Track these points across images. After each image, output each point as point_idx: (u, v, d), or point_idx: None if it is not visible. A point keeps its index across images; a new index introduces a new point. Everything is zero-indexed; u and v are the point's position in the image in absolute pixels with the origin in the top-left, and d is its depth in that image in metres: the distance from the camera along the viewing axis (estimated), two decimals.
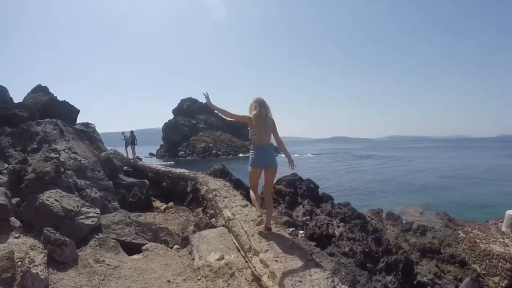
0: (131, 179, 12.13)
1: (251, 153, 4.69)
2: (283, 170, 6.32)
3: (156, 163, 15.74)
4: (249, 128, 4.63)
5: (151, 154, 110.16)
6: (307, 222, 9.85)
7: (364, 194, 31.56)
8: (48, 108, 15.02)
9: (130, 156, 18.31)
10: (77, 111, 16.45)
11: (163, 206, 12.98)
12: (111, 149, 22.08)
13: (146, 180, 12.33)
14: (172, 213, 11.52)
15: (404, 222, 15.70)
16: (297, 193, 11.28)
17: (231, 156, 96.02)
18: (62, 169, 7.86)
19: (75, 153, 8.82)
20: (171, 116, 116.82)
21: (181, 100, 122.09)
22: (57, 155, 8.25)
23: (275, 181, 9.22)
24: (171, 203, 13.19)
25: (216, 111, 4.86)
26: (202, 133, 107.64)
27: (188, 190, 12.07)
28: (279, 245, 4.01)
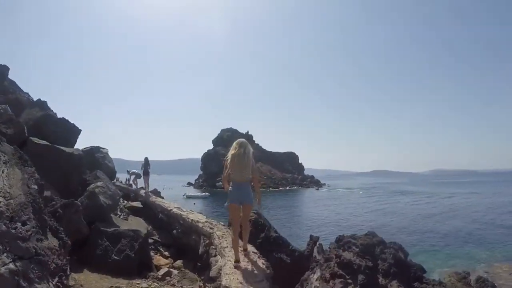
0: (120, 229, 8.20)
1: (229, 189, 5.10)
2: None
3: (172, 204, 11.75)
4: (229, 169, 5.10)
5: (189, 184, 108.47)
6: None
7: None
8: (41, 126, 12.04)
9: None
10: (77, 131, 13.40)
11: (166, 265, 8.96)
12: (125, 181, 19.35)
13: (141, 230, 8.43)
14: (173, 285, 7.52)
15: None
16: (378, 269, 6.72)
17: (270, 189, 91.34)
18: None
19: None
20: (211, 146, 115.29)
21: (222, 130, 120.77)
22: None
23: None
24: (179, 262, 9.19)
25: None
26: None
27: (200, 251, 7.98)
28: None
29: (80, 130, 13.42)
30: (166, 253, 10.22)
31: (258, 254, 5.95)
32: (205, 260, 7.61)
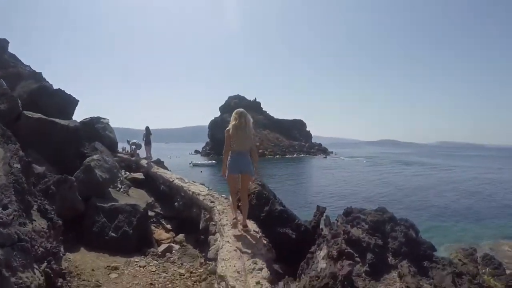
0: (117, 204, 7.85)
1: (229, 159, 5.10)
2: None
3: (173, 175, 11.40)
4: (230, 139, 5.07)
5: (196, 152, 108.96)
6: None
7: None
8: (37, 98, 11.74)
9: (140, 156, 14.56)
10: (75, 102, 12.92)
11: (167, 240, 8.72)
12: (124, 149, 18.96)
13: (139, 204, 8.05)
14: (173, 262, 7.19)
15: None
16: (388, 247, 6.30)
17: (278, 156, 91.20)
18: None
19: None
20: (218, 113, 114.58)
21: (229, 97, 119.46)
22: None
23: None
24: (180, 236, 8.95)
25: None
26: None
27: (200, 226, 7.68)
28: None
29: (78, 101, 12.95)
30: (168, 226, 9.98)
31: (260, 234, 5.57)
32: (206, 236, 7.31)
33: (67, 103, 12.44)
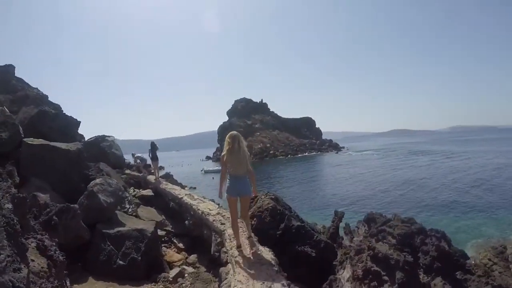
0: (123, 229, 7.43)
1: (228, 183, 5.15)
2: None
3: (182, 191, 11.05)
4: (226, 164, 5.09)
5: (208, 158, 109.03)
6: None
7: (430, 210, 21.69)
8: (38, 124, 11.42)
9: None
10: (76, 124, 12.64)
11: (179, 262, 8.27)
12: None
13: (146, 228, 7.62)
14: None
15: None
16: (418, 263, 5.75)
17: (289, 156, 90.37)
18: None
19: None
20: (226, 118, 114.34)
21: (235, 101, 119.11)
22: None
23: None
24: (193, 257, 8.50)
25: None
26: (258, 133, 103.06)
27: (212, 251, 7.22)
28: None
29: (79, 122, 12.65)
30: (180, 245, 9.54)
31: (264, 248, 5.42)
32: (219, 259, 6.84)
33: (69, 125, 12.16)
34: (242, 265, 4.72)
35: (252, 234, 5.64)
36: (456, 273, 5.95)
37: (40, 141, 9.43)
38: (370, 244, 6.21)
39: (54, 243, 5.71)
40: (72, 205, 7.05)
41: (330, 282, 6.09)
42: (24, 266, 4.45)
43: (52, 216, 6.71)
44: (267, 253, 5.13)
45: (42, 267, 4.88)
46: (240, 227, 5.84)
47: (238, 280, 4.12)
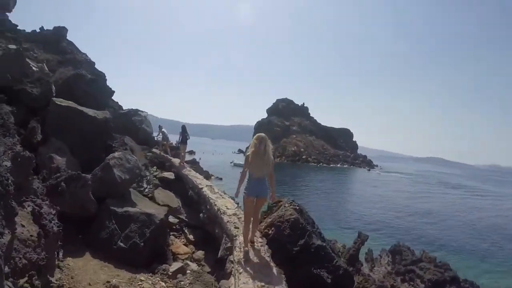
0: (131, 210, 7.01)
1: (246, 183, 5.20)
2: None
3: (204, 181, 10.60)
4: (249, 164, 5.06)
5: (240, 151, 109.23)
6: None
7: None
8: (72, 86, 11.26)
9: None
10: (111, 92, 12.36)
11: (185, 255, 7.79)
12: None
13: (157, 215, 7.14)
14: None
15: None
16: None
17: (321, 164, 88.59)
18: None
19: None
20: (265, 115, 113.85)
21: (277, 100, 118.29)
22: None
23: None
24: (199, 254, 8.01)
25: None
26: (294, 136, 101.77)
27: (219, 254, 6.68)
28: None
29: (113, 92, 12.50)
30: (191, 237, 9.03)
31: (267, 253, 5.37)
32: (225, 264, 6.23)
33: (103, 93, 12.00)
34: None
35: (255, 239, 5.66)
36: None
37: (69, 103, 9.26)
38: (395, 284, 5.35)
39: (53, 211, 5.33)
40: (84, 175, 6.71)
41: None
42: (8, 232, 4.06)
43: (61, 182, 6.39)
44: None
45: (31, 235, 4.48)
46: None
47: None
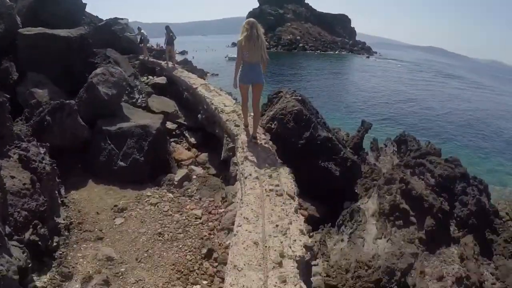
0: (125, 125, 6.75)
1: (240, 71, 5.20)
2: None
3: (198, 80, 10.22)
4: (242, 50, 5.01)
5: (233, 44, 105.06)
6: None
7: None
8: (37, 10, 10.34)
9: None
10: (82, 6, 11.12)
11: (188, 160, 7.78)
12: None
13: (152, 125, 6.90)
14: (190, 196, 6.28)
15: None
16: (453, 212, 4.93)
17: (319, 51, 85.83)
18: None
19: None
20: (256, 4, 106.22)
21: None
22: None
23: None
24: (203, 156, 8.07)
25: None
26: (289, 24, 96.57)
27: (222, 156, 6.53)
28: None
29: (85, 4, 11.21)
30: (192, 140, 8.96)
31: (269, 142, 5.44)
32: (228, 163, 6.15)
33: (72, 10, 10.77)
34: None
35: (257, 135, 5.58)
36: (486, 232, 5.18)
37: (38, 29, 8.34)
38: (404, 177, 5.31)
39: (42, 150, 5.05)
40: (67, 101, 6.27)
41: (352, 212, 5.32)
42: None
43: (45, 116, 6.01)
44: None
45: (24, 184, 4.24)
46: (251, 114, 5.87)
47: (244, 217, 3.42)
